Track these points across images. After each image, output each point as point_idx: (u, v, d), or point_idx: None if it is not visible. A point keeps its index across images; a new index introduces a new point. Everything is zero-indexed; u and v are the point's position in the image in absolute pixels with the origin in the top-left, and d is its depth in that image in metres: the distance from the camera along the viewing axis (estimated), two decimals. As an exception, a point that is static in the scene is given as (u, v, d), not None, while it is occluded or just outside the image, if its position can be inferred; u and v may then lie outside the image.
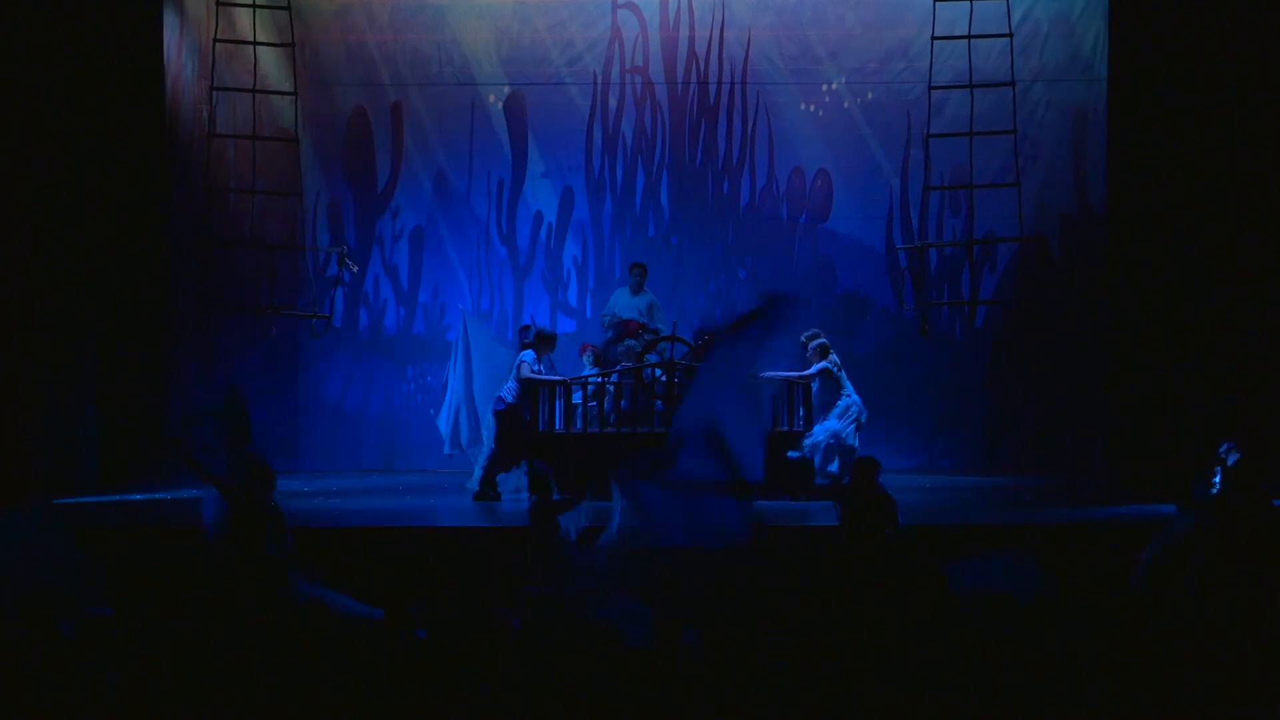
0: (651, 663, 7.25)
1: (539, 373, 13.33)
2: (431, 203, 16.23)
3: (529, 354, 13.32)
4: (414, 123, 16.16)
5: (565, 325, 15.98)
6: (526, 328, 14.21)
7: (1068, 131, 15.75)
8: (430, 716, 6.99)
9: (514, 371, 13.32)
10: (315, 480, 14.93)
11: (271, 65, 15.38)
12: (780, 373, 13.34)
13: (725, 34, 15.99)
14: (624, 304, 14.84)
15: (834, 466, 13.05)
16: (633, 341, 14.10)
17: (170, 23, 15.49)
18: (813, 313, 15.85)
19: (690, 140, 16.15)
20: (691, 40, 16.05)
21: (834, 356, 13.30)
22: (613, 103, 16.10)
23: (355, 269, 15.59)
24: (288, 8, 14.88)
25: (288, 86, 15.26)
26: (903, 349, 15.75)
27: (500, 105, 16.17)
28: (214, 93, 15.03)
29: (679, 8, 16.02)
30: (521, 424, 13.31)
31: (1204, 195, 15.19)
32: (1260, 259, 15.13)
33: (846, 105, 16.04)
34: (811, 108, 16.06)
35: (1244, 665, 7.27)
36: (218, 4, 14.81)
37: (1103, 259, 15.64)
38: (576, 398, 13.77)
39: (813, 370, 13.30)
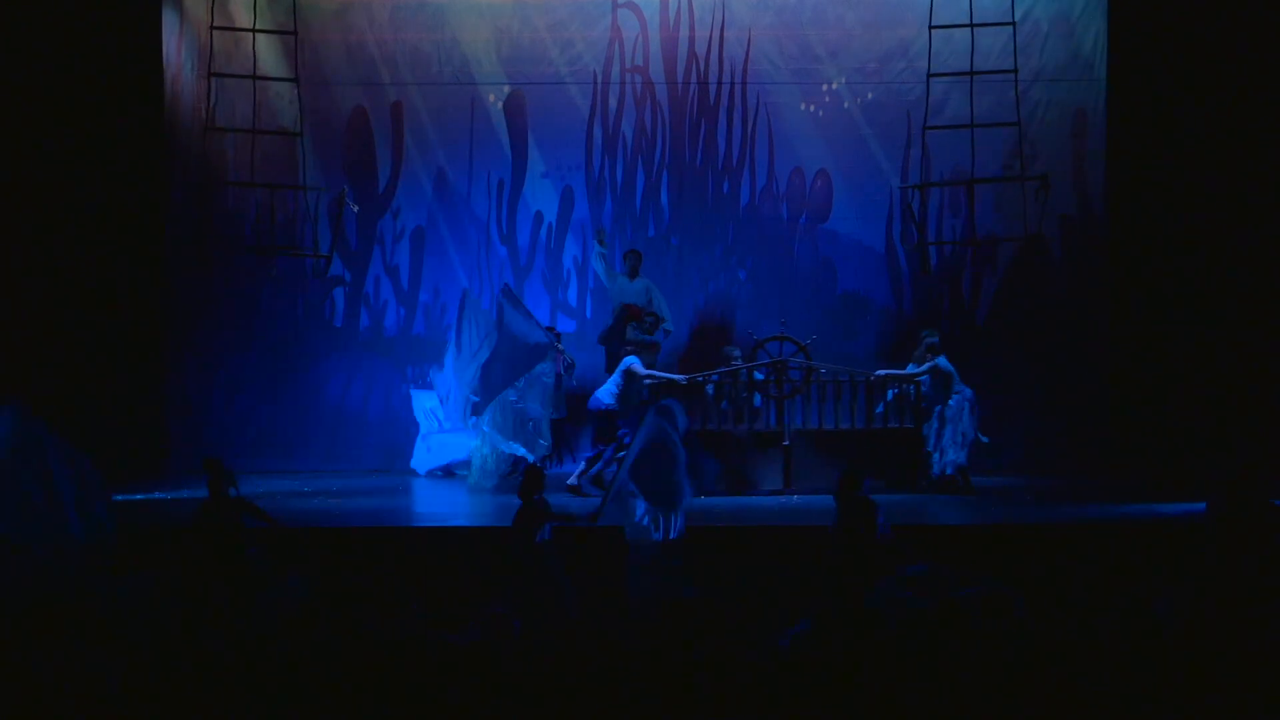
0: (651, 663, 7.26)
1: (651, 375, 13.84)
2: (432, 203, 16.21)
3: (636, 359, 13.81)
4: (414, 122, 16.14)
5: (565, 325, 15.96)
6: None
7: (1067, 131, 15.75)
8: (429, 717, 7.00)
9: (619, 376, 13.80)
10: (315, 480, 14.92)
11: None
12: (893, 370, 14.14)
13: (725, 34, 15.98)
14: (622, 289, 15.15)
15: (963, 458, 13.76)
16: (730, 348, 14.58)
17: (169, 21, 15.51)
18: (813, 313, 15.88)
19: (690, 140, 16.14)
20: (691, 40, 16.04)
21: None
22: (613, 103, 16.09)
23: (357, 208, 15.57)
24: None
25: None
26: (903, 349, 15.72)
27: (500, 105, 16.16)
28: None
29: (679, 8, 16.01)
30: (615, 426, 13.76)
31: (1203, 194, 15.22)
32: (1259, 258, 15.16)
33: (846, 105, 16.03)
34: (811, 108, 16.06)
35: (1245, 666, 7.27)
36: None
37: (1103, 258, 15.66)
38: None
39: (923, 368, 13.82)
